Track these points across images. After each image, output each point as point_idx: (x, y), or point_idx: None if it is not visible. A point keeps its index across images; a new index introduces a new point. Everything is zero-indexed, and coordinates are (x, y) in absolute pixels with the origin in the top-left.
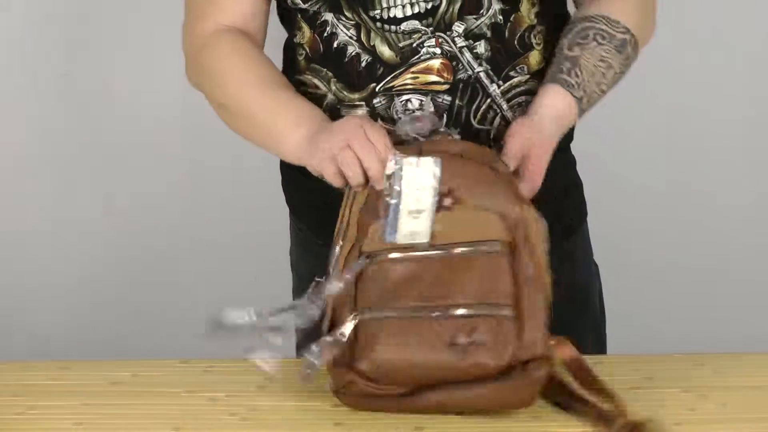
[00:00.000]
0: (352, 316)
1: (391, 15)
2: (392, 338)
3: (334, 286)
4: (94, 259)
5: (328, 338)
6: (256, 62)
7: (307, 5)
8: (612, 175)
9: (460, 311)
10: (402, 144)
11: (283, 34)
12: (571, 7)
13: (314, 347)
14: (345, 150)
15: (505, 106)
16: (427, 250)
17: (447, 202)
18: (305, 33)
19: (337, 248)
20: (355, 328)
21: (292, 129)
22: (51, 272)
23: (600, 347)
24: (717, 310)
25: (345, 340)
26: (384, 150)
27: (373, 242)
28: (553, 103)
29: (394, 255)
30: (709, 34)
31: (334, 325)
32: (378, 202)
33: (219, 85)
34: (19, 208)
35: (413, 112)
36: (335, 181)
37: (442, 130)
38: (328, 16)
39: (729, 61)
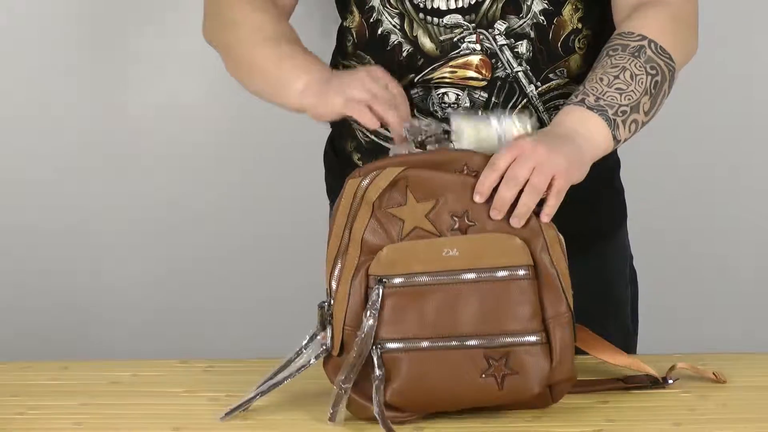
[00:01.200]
0: (373, 352)
1: (435, 6)
2: (416, 370)
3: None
4: (95, 259)
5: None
6: (267, 19)
7: None
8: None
9: (488, 341)
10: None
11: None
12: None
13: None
14: (370, 95)
15: (541, 108)
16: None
17: (462, 225)
18: (355, 17)
19: (337, 269)
20: (379, 360)
21: (297, 76)
22: (51, 272)
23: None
24: (717, 310)
25: (379, 377)
26: (403, 106)
27: (380, 266)
28: (556, 120)
29: (404, 280)
30: (749, 38)
31: (344, 348)
32: (382, 226)
33: (230, 40)
34: (19, 207)
35: (448, 106)
36: (364, 117)
37: (443, 137)
38: (376, 2)
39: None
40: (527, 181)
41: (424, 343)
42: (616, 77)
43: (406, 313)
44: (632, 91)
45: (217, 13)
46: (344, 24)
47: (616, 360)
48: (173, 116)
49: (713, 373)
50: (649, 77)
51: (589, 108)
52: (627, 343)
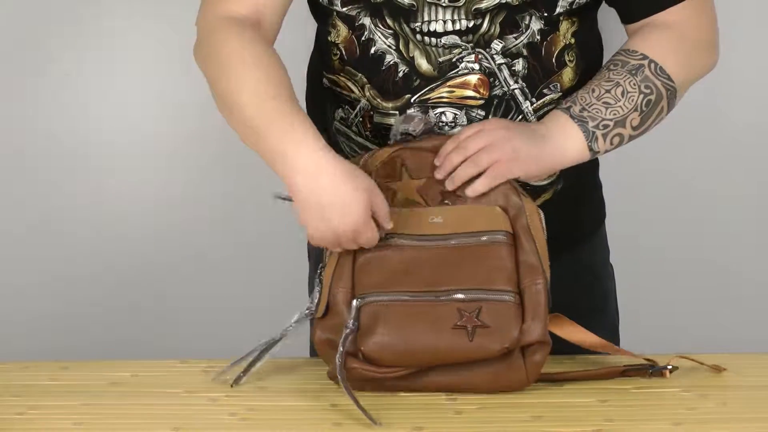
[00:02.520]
0: (354, 302)
1: (431, 29)
2: (395, 322)
3: None
4: (95, 259)
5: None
6: (264, 70)
7: (345, 9)
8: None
9: (463, 295)
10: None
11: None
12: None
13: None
14: (350, 242)
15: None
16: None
17: (449, 200)
18: (341, 32)
19: None
20: (357, 313)
21: (295, 154)
22: (51, 272)
23: None
24: (717, 310)
25: (351, 327)
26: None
27: None
28: (541, 121)
29: (392, 241)
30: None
31: (330, 309)
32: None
33: (222, 82)
34: (18, 207)
35: (445, 125)
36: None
37: (436, 131)
38: (366, 21)
39: (749, 62)
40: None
41: (404, 297)
42: (607, 91)
43: (390, 271)
44: (620, 106)
45: (205, 39)
46: (329, 38)
47: (594, 344)
48: (170, 118)
49: (714, 366)
50: (642, 95)
51: (572, 117)
52: (614, 338)
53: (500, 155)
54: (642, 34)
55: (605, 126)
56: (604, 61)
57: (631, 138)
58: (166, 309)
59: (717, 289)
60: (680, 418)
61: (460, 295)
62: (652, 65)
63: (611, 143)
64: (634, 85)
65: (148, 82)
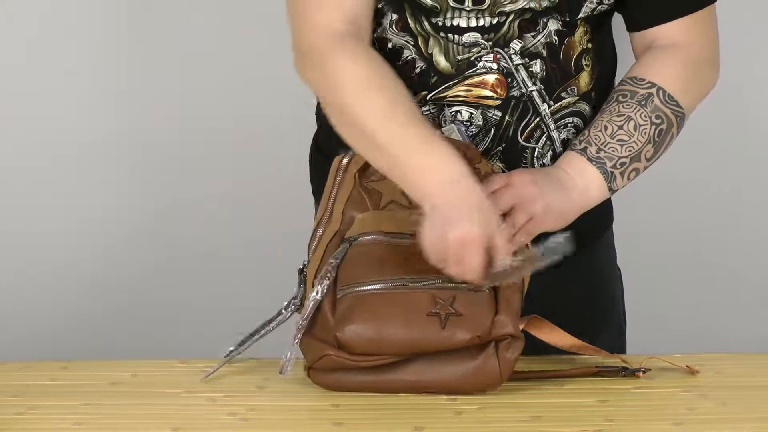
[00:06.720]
0: (334, 295)
1: (455, 23)
2: (370, 309)
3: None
4: (95, 259)
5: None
6: (391, 92)
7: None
8: None
9: (442, 283)
10: None
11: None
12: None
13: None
14: (456, 261)
15: (552, 126)
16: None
17: None
18: None
19: (318, 233)
20: (334, 304)
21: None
22: (51, 272)
23: (620, 351)
24: (724, 312)
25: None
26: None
27: (354, 229)
28: (559, 165)
29: (373, 237)
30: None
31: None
32: (362, 198)
33: (352, 105)
34: (19, 208)
35: (461, 123)
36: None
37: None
38: (388, 17)
39: (757, 67)
40: (507, 212)
41: (380, 285)
42: (620, 127)
43: (368, 263)
44: (634, 141)
45: (325, 70)
46: None
47: (573, 346)
48: (165, 114)
49: (687, 366)
50: (653, 126)
51: (590, 159)
52: (620, 340)
53: (533, 213)
54: (648, 59)
55: (622, 164)
56: (618, 71)
57: (645, 168)
58: (167, 309)
59: (723, 291)
60: (680, 418)
61: (435, 282)
62: (661, 93)
63: (628, 179)
64: (645, 117)
65: (149, 81)
